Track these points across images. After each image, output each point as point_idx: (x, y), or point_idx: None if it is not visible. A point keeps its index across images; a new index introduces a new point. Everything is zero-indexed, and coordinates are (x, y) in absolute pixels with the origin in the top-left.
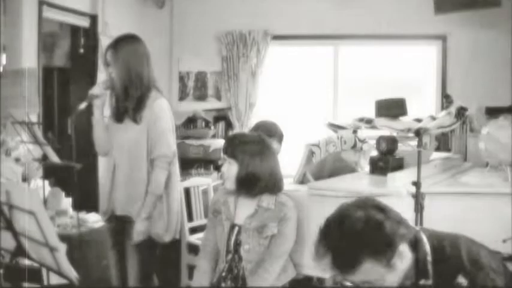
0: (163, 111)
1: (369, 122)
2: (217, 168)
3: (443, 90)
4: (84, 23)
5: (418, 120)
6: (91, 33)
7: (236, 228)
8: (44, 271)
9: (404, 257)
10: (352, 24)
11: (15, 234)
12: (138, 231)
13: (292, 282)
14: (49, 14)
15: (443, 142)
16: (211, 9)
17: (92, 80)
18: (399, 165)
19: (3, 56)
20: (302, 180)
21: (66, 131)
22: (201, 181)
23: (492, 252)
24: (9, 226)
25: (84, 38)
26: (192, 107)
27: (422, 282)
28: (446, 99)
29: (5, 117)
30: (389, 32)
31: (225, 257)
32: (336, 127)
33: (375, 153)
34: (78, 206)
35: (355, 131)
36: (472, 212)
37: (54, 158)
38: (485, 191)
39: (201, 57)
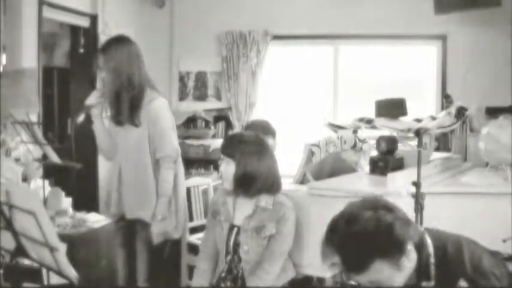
0: (162, 110)
1: (369, 122)
2: (217, 168)
3: (443, 90)
4: (84, 23)
5: (418, 120)
6: (91, 33)
7: (235, 229)
8: (44, 271)
9: (411, 257)
10: (352, 24)
11: (15, 234)
12: (157, 233)
13: (292, 282)
14: (49, 14)
15: (443, 142)
16: (211, 9)
17: (92, 80)
18: (399, 165)
19: (3, 56)
20: (302, 180)
21: (66, 131)
22: (201, 181)
23: (494, 256)
24: (9, 226)
25: (84, 38)
26: (192, 107)
27: (424, 284)
28: (446, 99)
29: (5, 117)
30: (390, 32)
31: (225, 258)
32: (336, 127)
33: (375, 153)
34: (78, 206)
35: (355, 131)
36: (472, 212)
37: (54, 158)
38: (485, 191)
39: (201, 57)
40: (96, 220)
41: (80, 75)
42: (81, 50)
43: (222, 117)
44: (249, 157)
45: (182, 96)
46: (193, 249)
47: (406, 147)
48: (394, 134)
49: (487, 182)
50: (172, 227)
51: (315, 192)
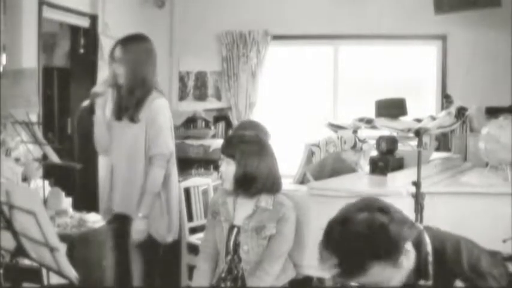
0: (162, 110)
1: (369, 122)
2: (217, 168)
3: (443, 90)
4: (84, 23)
5: (418, 120)
6: (91, 33)
7: (235, 229)
8: (44, 271)
9: (410, 255)
10: (352, 24)
11: (15, 234)
12: (137, 229)
13: (292, 282)
14: (49, 14)
15: (443, 142)
16: (211, 9)
17: (92, 80)
18: (399, 165)
19: (3, 56)
20: (302, 180)
21: (66, 131)
22: (201, 181)
23: (493, 257)
24: (9, 226)
25: (84, 38)
26: (192, 107)
27: (422, 282)
28: (446, 99)
29: (5, 117)
30: (390, 32)
31: (225, 258)
32: (336, 127)
33: (375, 153)
34: (78, 206)
35: (355, 131)
36: (472, 211)
37: (54, 158)
38: (485, 191)
39: (201, 57)
40: (96, 220)
41: (80, 75)
42: (81, 50)
43: (222, 117)
44: (249, 157)
45: (182, 96)
46: (193, 249)
47: (406, 147)
48: (394, 134)
49: (487, 182)
50: (163, 229)
51: (315, 192)
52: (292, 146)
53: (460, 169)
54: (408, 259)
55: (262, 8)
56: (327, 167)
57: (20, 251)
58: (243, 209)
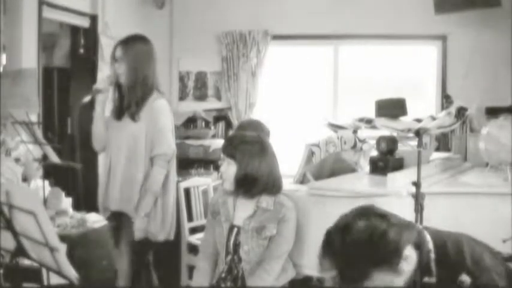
0: (164, 110)
1: (369, 122)
2: (217, 168)
3: (443, 90)
4: (84, 23)
5: (418, 120)
6: (91, 33)
7: (235, 229)
8: (44, 271)
9: (410, 260)
10: (352, 24)
11: (15, 234)
12: (138, 229)
13: (292, 282)
14: (49, 14)
15: (443, 142)
16: (211, 9)
17: (92, 80)
18: (399, 165)
19: (3, 56)
20: (302, 180)
21: (66, 131)
22: (201, 181)
23: (495, 254)
24: (9, 226)
25: (84, 38)
26: (192, 107)
27: (426, 279)
28: (446, 99)
29: (5, 117)
30: (390, 32)
31: (225, 258)
32: (336, 127)
33: (375, 153)
34: (78, 206)
35: (355, 131)
36: (472, 212)
37: (54, 158)
38: (485, 191)
39: (201, 57)
40: (96, 220)
41: (80, 75)
42: (81, 50)
43: (222, 117)
44: (250, 158)
45: (182, 96)
46: (193, 249)
47: (406, 147)
48: (394, 134)
49: (487, 182)
50: (156, 227)
51: (315, 192)
52: (292, 146)
53: (460, 169)
54: (408, 264)
55: (262, 8)
56: (327, 167)
57: (20, 251)
58: (243, 209)
